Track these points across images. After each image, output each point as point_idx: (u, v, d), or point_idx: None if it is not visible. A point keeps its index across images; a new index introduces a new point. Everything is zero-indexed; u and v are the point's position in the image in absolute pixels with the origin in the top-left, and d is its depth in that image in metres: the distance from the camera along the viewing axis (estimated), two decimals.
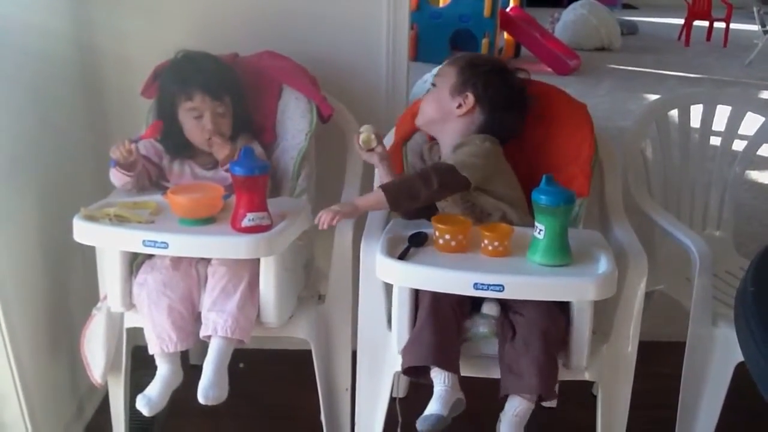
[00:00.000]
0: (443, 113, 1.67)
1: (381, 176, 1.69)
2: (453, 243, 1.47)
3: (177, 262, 1.61)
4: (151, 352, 1.59)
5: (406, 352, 1.49)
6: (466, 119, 1.66)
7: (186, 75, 1.71)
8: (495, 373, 1.52)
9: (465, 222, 1.50)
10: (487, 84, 1.65)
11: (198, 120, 1.70)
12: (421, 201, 1.54)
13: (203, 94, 1.69)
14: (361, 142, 1.62)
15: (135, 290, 1.61)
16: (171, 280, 1.58)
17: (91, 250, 1.64)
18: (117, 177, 1.67)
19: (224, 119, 1.73)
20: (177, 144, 1.74)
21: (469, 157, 1.57)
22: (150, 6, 1.98)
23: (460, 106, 1.65)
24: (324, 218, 1.49)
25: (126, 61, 1.96)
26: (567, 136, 1.74)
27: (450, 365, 1.45)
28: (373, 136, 1.62)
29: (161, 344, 1.56)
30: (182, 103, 1.69)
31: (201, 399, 1.51)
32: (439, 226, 1.48)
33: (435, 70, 3.64)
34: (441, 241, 1.48)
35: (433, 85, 1.71)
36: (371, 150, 1.62)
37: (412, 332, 1.50)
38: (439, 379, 1.44)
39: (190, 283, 1.60)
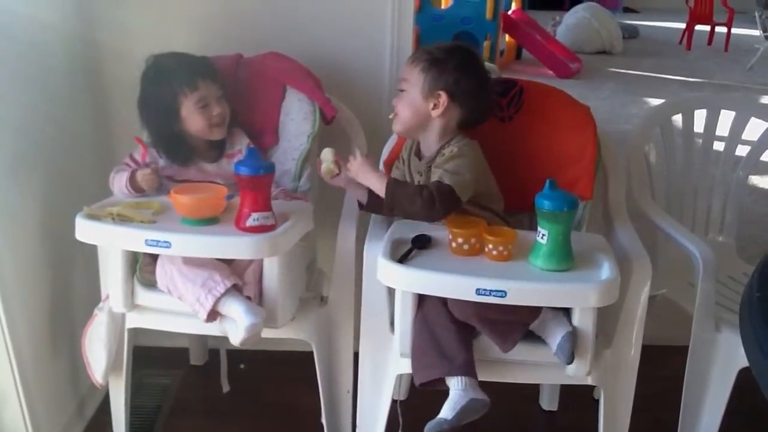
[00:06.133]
0: (420, 118, 1.62)
1: (355, 195, 1.69)
2: (466, 246, 1.46)
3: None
4: (204, 313, 1.53)
5: (414, 369, 1.49)
6: (444, 117, 1.61)
7: (181, 67, 1.70)
8: (503, 377, 1.53)
9: (479, 224, 1.50)
10: (456, 78, 1.59)
11: (204, 109, 1.68)
12: (414, 218, 1.55)
13: (205, 79, 1.69)
14: (322, 173, 1.63)
15: (159, 269, 1.60)
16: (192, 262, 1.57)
17: (93, 248, 1.64)
18: (125, 193, 1.67)
19: (225, 102, 1.73)
20: (181, 152, 1.73)
21: (462, 174, 1.53)
22: (153, 2, 1.97)
23: (435, 106, 1.60)
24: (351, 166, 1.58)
25: (129, 58, 1.94)
26: (570, 138, 1.73)
27: (459, 370, 1.44)
28: (332, 166, 1.61)
29: (212, 293, 1.52)
30: (189, 96, 1.67)
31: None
32: (454, 230, 1.47)
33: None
34: (454, 245, 1.47)
35: (401, 90, 1.64)
36: (336, 176, 1.63)
37: (413, 346, 1.50)
38: (452, 383, 1.44)
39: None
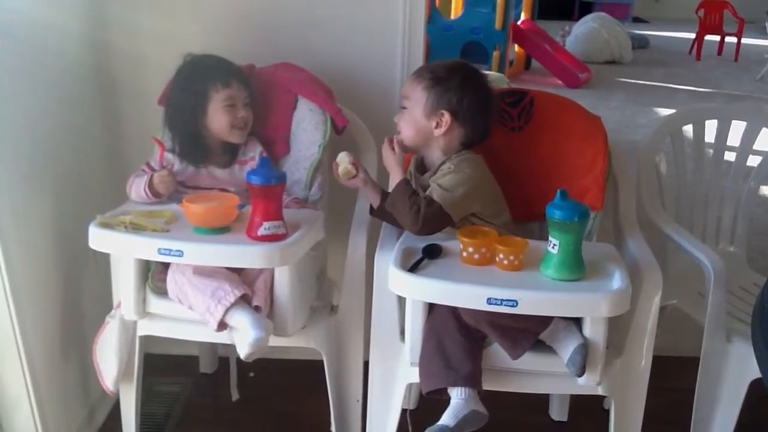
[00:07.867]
0: (423, 135, 1.62)
1: (368, 198, 1.70)
2: (476, 256, 1.46)
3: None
4: (214, 323, 1.53)
5: (420, 377, 1.49)
6: (447, 136, 1.61)
7: (218, 65, 1.73)
8: (513, 386, 1.53)
9: (490, 233, 1.50)
10: (458, 97, 1.59)
11: (231, 108, 1.71)
12: (399, 222, 1.58)
13: (238, 81, 1.72)
14: (340, 174, 1.64)
15: (169, 280, 1.61)
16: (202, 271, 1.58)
17: (105, 255, 1.65)
18: (142, 197, 1.69)
19: (250, 110, 1.75)
20: (196, 151, 1.74)
21: (454, 191, 1.54)
22: (166, 7, 1.98)
23: (437, 125, 1.60)
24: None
25: (140, 62, 1.96)
26: (581, 149, 1.74)
27: (463, 381, 1.44)
28: (350, 167, 1.63)
29: (221, 303, 1.52)
30: (219, 91, 1.69)
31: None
32: (464, 239, 1.47)
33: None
34: (464, 254, 1.48)
35: (403, 107, 1.64)
36: (353, 177, 1.64)
37: (420, 355, 1.50)
38: (454, 393, 1.44)
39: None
